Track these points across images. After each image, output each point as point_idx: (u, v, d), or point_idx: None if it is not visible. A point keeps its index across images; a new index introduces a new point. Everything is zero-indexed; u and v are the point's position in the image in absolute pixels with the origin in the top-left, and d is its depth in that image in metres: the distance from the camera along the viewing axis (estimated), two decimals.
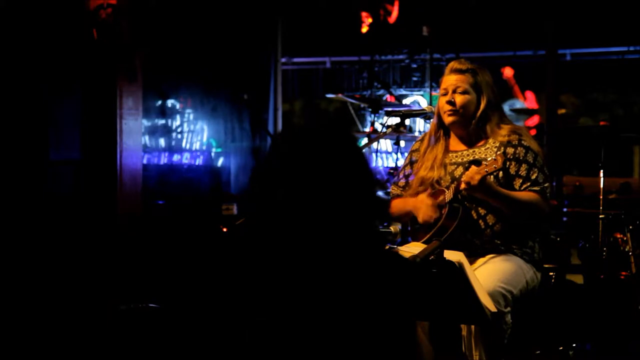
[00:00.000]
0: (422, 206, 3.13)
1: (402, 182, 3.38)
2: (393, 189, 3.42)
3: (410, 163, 3.37)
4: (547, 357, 3.40)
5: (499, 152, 3.02)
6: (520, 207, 3.05)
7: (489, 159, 2.99)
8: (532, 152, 3.13)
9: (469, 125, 3.20)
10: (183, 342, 3.85)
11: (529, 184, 3.09)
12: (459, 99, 3.16)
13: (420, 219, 3.14)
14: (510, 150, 3.12)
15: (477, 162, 2.94)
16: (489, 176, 2.98)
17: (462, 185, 2.98)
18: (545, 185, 3.11)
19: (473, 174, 2.93)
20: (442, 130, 3.30)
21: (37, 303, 4.31)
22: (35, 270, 4.42)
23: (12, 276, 4.33)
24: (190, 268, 4.24)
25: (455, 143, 3.28)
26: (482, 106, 3.17)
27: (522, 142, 3.15)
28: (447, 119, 3.20)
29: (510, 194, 3.05)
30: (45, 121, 4.75)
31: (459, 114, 3.17)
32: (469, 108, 3.17)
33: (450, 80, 3.19)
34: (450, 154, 3.25)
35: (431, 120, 3.38)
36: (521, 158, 3.11)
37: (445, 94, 3.20)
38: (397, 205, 3.33)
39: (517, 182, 3.10)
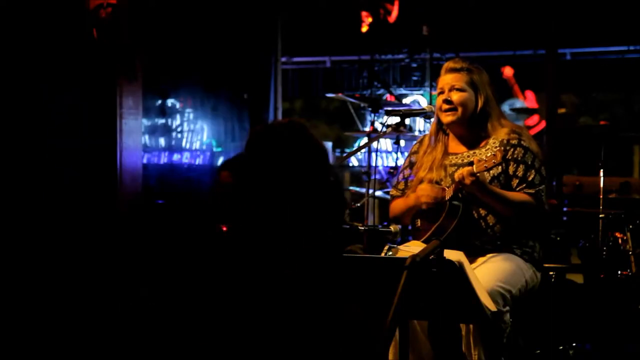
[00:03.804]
0: (422, 193, 3.13)
1: (401, 184, 3.37)
2: (393, 192, 3.42)
3: (410, 165, 3.37)
4: (547, 357, 3.40)
5: (498, 149, 3.03)
6: (512, 207, 3.05)
7: (488, 154, 2.99)
8: (531, 152, 3.13)
9: (468, 125, 3.20)
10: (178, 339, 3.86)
11: (524, 185, 3.09)
12: (456, 97, 3.15)
13: (423, 203, 3.12)
14: (509, 150, 3.12)
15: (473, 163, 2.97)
16: (486, 173, 2.98)
17: (456, 178, 2.99)
18: (540, 187, 3.10)
19: (466, 174, 2.93)
20: (441, 131, 3.29)
21: (34, 304, 4.31)
22: (34, 272, 4.42)
23: (11, 277, 4.34)
24: (189, 268, 4.24)
25: (454, 145, 3.27)
26: (480, 103, 3.17)
27: (522, 142, 3.14)
28: (446, 119, 3.19)
29: (503, 193, 3.05)
30: (45, 121, 4.74)
31: (456, 113, 3.17)
32: (467, 106, 3.16)
33: (446, 79, 3.19)
34: (450, 156, 3.24)
35: (431, 119, 3.38)
36: (519, 159, 3.11)
37: (442, 93, 3.20)
38: (398, 205, 3.33)
39: (514, 183, 3.11)
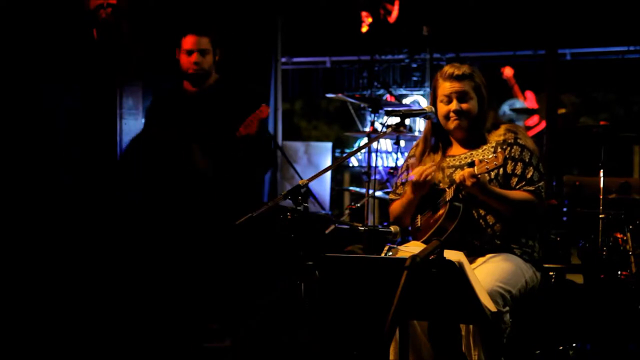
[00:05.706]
0: (414, 175, 3.14)
1: (400, 188, 3.38)
2: (392, 196, 3.43)
3: (408, 169, 3.38)
4: (547, 357, 3.40)
5: (499, 150, 3.03)
6: (513, 205, 3.06)
7: (489, 156, 2.99)
8: (528, 150, 3.14)
9: (469, 127, 3.20)
10: None
11: (524, 182, 3.10)
12: (466, 106, 3.16)
13: (414, 179, 3.13)
14: (506, 149, 3.13)
15: (473, 164, 2.97)
16: (486, 174, 2.98)
17: (456, 180, 2.99)
18: (540, 184, 3.11)
19: (467, 175, 2.93)
20: (439, 134, 3.30)
21: (35, 304, 4.32)
22: (34, 273, 4.42)
23: (11, 278, 4.34)
24: (189, 267, 4.25)
25: (453, 147, 3.29)
26: (481, 106, 3.18)
27: (518, 140, 3.16)
28: (452, 125, 3.19)
29: (503, 192, 3.06)
30: (45, 121, 4.73)
31: (465, 120, 3.17)
32: (474, 112, 3.18)
33: (453, 86, 3.17)
34: (447, 158, 3.25)
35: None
36: (517, 157, 3.12)
37: (448, 102, 3.18)
38: (397, 206, 3.33)
39: (513, 181, 3.11)
